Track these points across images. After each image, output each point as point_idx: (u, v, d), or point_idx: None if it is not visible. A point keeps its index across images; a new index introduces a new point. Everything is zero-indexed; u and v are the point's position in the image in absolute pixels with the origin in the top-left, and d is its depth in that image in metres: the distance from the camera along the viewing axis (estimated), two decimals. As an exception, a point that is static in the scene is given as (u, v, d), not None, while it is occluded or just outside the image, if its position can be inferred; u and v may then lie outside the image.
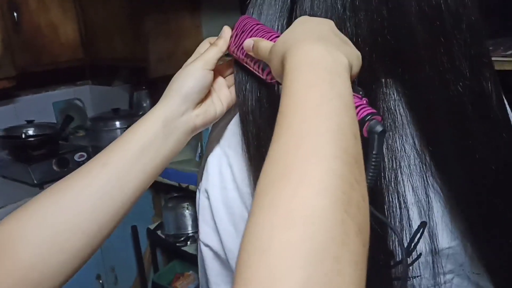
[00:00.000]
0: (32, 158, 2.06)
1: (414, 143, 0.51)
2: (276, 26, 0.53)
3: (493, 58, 1.25)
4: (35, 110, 2.43)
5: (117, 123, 2.21)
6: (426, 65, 0.49)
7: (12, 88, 2.13)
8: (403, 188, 0.50)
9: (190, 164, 2.01)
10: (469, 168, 0.51)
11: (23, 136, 2.16)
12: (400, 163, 0.51)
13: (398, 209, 0.50)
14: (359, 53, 0.44)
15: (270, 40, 0.48)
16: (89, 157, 2.14)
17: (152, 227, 2.30)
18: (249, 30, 0.51)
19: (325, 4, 0.49)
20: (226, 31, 0.56)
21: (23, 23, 2.11)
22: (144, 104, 2.45)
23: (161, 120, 0.53)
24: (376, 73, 0.50)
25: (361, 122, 0.40)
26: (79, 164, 2.10)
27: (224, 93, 0.59)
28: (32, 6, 2.14)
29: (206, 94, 0.56)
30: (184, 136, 0.55)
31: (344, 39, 0.44)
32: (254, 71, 0.52)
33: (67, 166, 2.08)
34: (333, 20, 0.47)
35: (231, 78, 0.59)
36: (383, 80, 0.51)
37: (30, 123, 2.26)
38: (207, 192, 0.57)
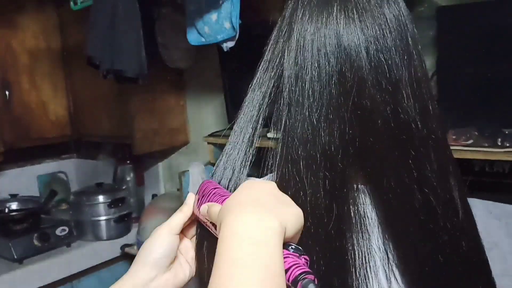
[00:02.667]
0: (14, 233, 2.07)
1: (383, 243, 0.55)
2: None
3: (455, 148, 1.35)
4: (19, 183, 2.47)
5: (100, 197, 2.24)
6: (392, 174, 0.53)
7: (-1, 163, 2.18)
8: (371, 285, 0.54)
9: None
10: (432, 271, 0.55)
11: (6, 210, 2.18)
12: (369, 262, 0.53)
13: None
14: (299, 211, 0.48)
15: (222, 204, 0.51)
16: (70, 232, 2.17)
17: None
18: (207, 195, 0.54)
19: (301, 116, 0.53)
20: (190, 197, 0.58)
21: (14, 101, 2.19)
22: (128, 178, 2.49)
23: None
24: (347, 179, 0.53)
25: (294, 282, 0.43)
26: (60, 239, 2.11)
27: (191, 255, 0.60)
28: (24, 85, 2.24)
29: (174, 258, 0.58)
30: None
31: (284, 200, 0.49)
32: (213, 232, 0.54)
33: (49, 241, 2.09)
34: (309, 130, 0.52)
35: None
36: (355, 185, 0.54)
37: (13, 197, 2.29)
38: None
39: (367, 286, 0.53)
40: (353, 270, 0.53)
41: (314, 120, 0.53)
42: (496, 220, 1.45)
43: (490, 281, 0.61)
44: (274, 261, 0.42)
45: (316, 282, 0.43)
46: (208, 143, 1.90)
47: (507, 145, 1.24)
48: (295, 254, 0.45)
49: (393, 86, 0.53)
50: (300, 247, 0.47)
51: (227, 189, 0.57)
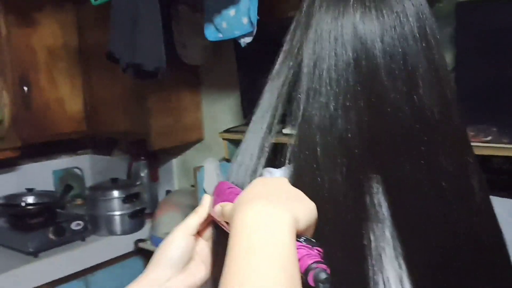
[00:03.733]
0: (30, 226, 2.09)
1: (395, 233, 0.55)
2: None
3: (474, 144, 1.35)
4: (35, 178, 2.50)
5: (115, 193, 2.26)
6: (404, 164, 0.53)
7: (16, 157, 2.21)
8: (386, 273, 0.54)
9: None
10: (445, 266, 0.55)
11: (23, 204, 2.21)
12: (384, 250, 0.54)
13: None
14: (312, 205, 0.48)
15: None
16: (85, 226, 2.19)
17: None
18: (221, 195, 0.54)
19: (318, 104, 0.55)
20: (206, 199, 0.59)
21: (32, 97, 2.23)
22: (142, 174, 2.51)
23: None
24: (363, 166, 0.54)
25: (306, 271, 0.43)
26: (75, 233, 2.14)
27: (207, 256, 0.60)
28: (42, 82, 2.27)
29: (190, 259, 0.58)
30: None
31: (296, 194, 0.50)
32: (228, 232, 0.57)
33: (64, 235, 2.11)
34: (326, 117, 0.53)
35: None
36: (371, 175, 0.55)
37: (30, 191, 2.31)
38: None
39: (382, 273, 0.54)
40: (369, 257, 0.53)
41: (332, 107, 0.54)
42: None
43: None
44: (287, 249, 0.42)
45: (328, 272, 0.43)
46: (223, 139, 1.91)
47: (520, 145, 1.24)
48: (307, 245, 0.45)
49: (409, 73, 0.54)
50: (312, 239, 0.47)
51: (243, 187, 0.57)
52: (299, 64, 0.58)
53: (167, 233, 1.96)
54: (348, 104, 0.54)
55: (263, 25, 1.42)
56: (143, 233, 2.31)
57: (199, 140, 2.38)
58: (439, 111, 0.54)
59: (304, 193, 0.52)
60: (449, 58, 1.52)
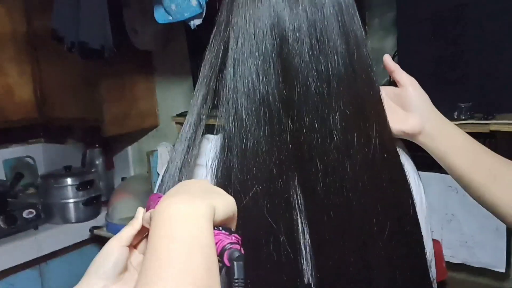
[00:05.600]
0: (-21, 215, 2.04)
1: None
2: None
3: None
4: (-16, 167, 2.43)
5: (68, 180, 2.23)
6: (313, 122, 0.59)
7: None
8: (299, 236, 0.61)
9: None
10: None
11: (-29, 193, 2.15)
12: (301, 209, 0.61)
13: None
14: (231, 199, 0.52)
15: None
16: (38, 214, 2.15)
17: None
18: (153, 204, 0.55)
19: (242, 73, 0.60)
20: (139, 211, 0.60)
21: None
22: (97, 162, 2.49)
23: None
24: (283, 124, 0.60)
25: (221, 252, 0.46)
26: (27, 221, 2.10)
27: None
28: (-12, 68, 2.21)
29: (124, 269, 0.59)
30: None
31: (215, 190, 0.53)
32: None
33: (15, 223, 2.07)
34: (248, 83, 0.59)
35: None
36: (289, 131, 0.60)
37: (-22, 180, 2.26)
38: None
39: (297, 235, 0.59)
40: (296, 215, 0.59)
41: (254, 74, 0.60)
42: (453, 192, 1.52)
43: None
44: (202, 232, 0.45)
45: (242, 253, 0.46)
46: (177, 123, 1.92)
47: (463, 117, 1.31)
48: (225, 233, 0.48)
49: (317, 39, 0.60)
50: (230, 228, 0.50)
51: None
52: (228, 38, 0.63)
53: (121, 219, 1.96)
54: (266, 69, 0.59)
55: (213, 7, 1.44)
56: (99, 220, 2.29)
57: (154, 126, 2.37)
58: (346, 73, 0.60)
59: (234, 155, 0.57)
60: (392, 41, 1.59)
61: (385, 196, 0.62)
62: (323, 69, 0.59)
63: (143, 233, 0.59)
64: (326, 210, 0.59)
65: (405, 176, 0.65)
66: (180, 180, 0.61)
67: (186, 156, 0.62)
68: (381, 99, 0.65)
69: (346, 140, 0.59)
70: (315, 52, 0.59)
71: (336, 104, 0.59)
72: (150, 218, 0.51)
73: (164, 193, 0.56)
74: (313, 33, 0.60)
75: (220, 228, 0.48)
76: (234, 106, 0.60)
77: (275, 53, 0.60)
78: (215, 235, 0.47)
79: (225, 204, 0.51)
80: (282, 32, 0.60)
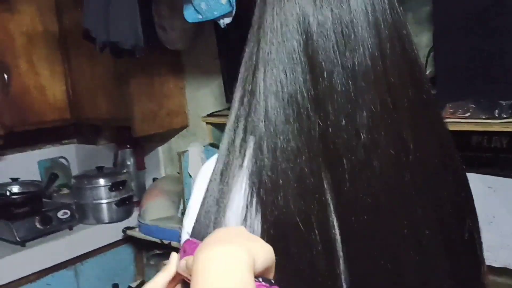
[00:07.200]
0: (15, 216, 2.08)
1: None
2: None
3: (453, 120, 1.35)
4: (20, 168, 2.48)
5: (101, 181, 2.25)
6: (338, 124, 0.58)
7: (-1, 147, 2.20)
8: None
9: (172, 220, 2.05)
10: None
11: (7, 193, 2.20)
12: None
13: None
14: (269, 247, 0.50)
15: None
16: (72, 215, 2.18)
17: (134, 285, 2.30)
18: (188, 250, 0.55)
19: (270, 72, 0.60)
20: (173, 256, 0.60)
21: (12, 84, 2.20)
22: (128, 163, 2.51)
23: None
24: (312, 122, 0.58)
25: None
26: (62, 222, 2.13)
27: None
28: (22, 68, 2.24)
29: None
30: None
31: (253, 238, 0.51)
32: None
33: (50, 223, 2.10)
34: (277, 81, 0.58)
35: None
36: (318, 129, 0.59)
37: (14, 180, 2.30)
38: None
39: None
40: (331, 216, 0.57)
41: (282, 73, 0.59)
42: (494, 194, 1.46)
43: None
44: (245, 286, 0.43)
45: None
46: (207, 123, 1.91)
47: (504, 116, 1.25)
48: (265, 284, 0.46)
49: (343, 36, 0.58)
50: (271, 280, 0.48)
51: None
52: (259, 37, 0.63)
53: (153, 220, 1.96)
54: (293, 67, 0.59)
55: (243, 7, 1.42)
56: (131, 221, 2.30)
57: (183, 126, 2.37)
58: (375, 70, 0.58)
59: (264, 155, 0.58)
60: (427, 36, 1.53)
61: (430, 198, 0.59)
62: (349, 64, 0.58)
63: (177, 279, 0.58)
64: (354, 212, 0.57)
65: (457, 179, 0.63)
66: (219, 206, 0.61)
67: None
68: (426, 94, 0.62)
69: (373, 138, 0.57)
70: (340, 47, 0.58)
71: (363, 100, 0.57)
72: (186, 266, 0.51)
73: (197, 236, 0.56)
74: (338, 28, 0.58)
75: (260, 280, 0.46)
76: (264, 105, 0.60)
77: (301, 50, 0.59)
78: (257, 287, 0.45)
79: (264, 253, 0.49)
80: (307, 28, 0.59)
